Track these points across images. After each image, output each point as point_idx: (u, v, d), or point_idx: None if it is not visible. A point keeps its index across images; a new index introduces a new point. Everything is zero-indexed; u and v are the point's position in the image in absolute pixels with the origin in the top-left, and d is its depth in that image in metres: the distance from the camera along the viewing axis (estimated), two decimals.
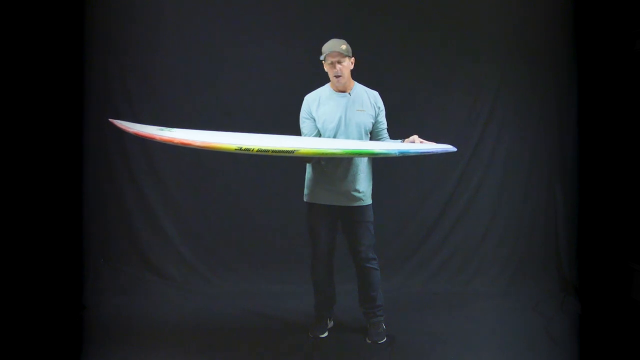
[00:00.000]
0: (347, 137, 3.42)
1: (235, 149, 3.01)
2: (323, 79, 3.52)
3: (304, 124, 3.49)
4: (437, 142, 4.49)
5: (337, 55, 3.33)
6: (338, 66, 3.35)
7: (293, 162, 3.80)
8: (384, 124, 3.53)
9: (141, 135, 3.12)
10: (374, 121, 3.48)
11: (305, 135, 3.48)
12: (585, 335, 3.76)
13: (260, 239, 4.64)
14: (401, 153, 3.19)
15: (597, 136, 4.32)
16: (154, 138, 3.09)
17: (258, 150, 3.02)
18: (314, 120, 3.46)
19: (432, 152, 3.26)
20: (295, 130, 3.53)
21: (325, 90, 3.50)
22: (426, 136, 4.56)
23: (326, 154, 3.16)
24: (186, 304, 4.18)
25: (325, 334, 3.64)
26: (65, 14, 3.98)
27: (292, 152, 3.05)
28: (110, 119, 3.19)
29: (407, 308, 4.10)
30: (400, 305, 4.09)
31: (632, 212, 4.19)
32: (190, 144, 3.01)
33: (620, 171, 4.24)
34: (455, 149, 3.25)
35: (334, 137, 3.42)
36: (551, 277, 4.51)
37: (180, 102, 4.54)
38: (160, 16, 4.52)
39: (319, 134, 3.46)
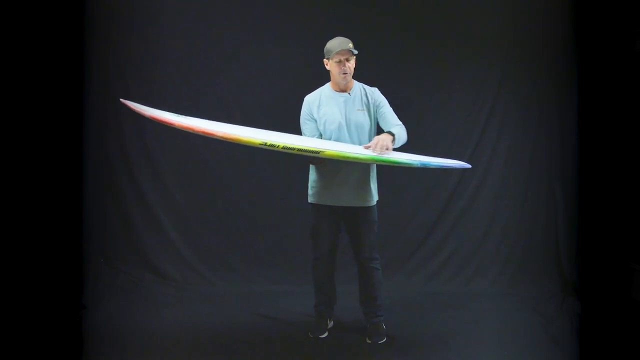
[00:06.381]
0: (348, 138, 3.40)
1: (260, 144, 2.96)
2: (323, 78, 3.51)
3: (306, 125, 3.47)
4: (436, 143, 4.56)
5: (347, 53, 3.32)
6: (347, 64, 3.34)
7: (294, 163, 3.80)
8: (390, 117, 3.43)
9: (157, 120, 3.01)
10: (374, 118, 3.45)
11: (308, 132, 3.46)
12: (585, 335, 3.75)
13: (260, 239, 4.64)
14: (422, 165, 3.23)
15: (597, 136, 4.32)
16: (171, 124, 2.99)
17: (284, 147, 2.98)
18: (315, 121, 3.44)
19: (450, 166, 3.37)
20: (295, 130, 3.52)
21: (325, 90, 3.48)
22: (426, 136, 4.60)
23: (351, 158, 3.12)
24: (186, 304, 4.18)
25: (325, 334, 3.63)
26: (65, 12, 3.97)
27: (317, 152, 3.04)
28: (122, 100, 3.09)
29: (407, 308, 4.10)
30: (400, 305, 4.09)
31: (632, 212, 4.19)
32: (212, 134, 2.93)
33: (621, 171, 4.24)
34: (469, 166, 3.46)
35: (335, 138, 3.41)
36: (551, 277, 4.51)
37: (180, 102, 4.52)
38: (161, 15, 4.52)
39: (320, 136, 3.45)
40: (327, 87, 3.48)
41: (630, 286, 4.15)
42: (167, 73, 4.56)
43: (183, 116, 3.19)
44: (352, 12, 4.53)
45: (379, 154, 3.15)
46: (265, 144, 2.97)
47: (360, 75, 3.48)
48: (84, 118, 4.34)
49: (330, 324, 3.71)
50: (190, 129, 2.95)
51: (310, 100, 3.47)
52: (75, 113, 4.21)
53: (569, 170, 4.57)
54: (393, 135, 3.26)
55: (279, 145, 2.98)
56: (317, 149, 3.04)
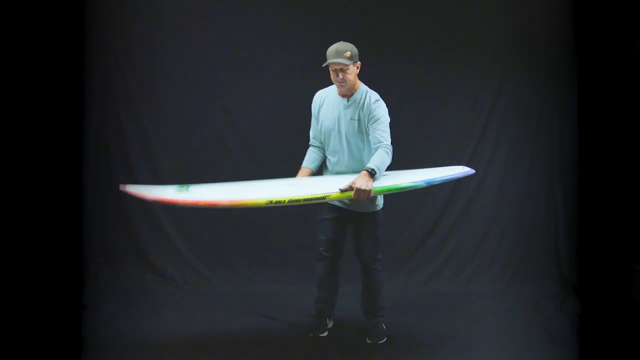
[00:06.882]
0: (339, 145, 3.36)
1: (266, 203, 3.01)
2: (329, 82, 3.48)
3: (312, 121, 3.50)
4: (436, 143, 4.56)
5: (338, 65, 3.23)
6: (340, 74, 3.24)
7: (295, 163, 3.79)
8: (377, 134, 3.25)
9: (161, 202, 3.06)
10: (366, 131, 3.33)
11: (312, 131, 3.50)
12: (585, 335, 3.76)
13: (260, 239, 4.64)
14: (427, 183, 3.27)
15: (597, 136, 4.32)
16: (176, 203, 3.04)
17: (289, 201, 3.03)
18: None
19: (454, 177, 3.39)
20: (295, 130, 3.52)
21: (331, 92, 3.43)
22: (426, 136, 4.60)
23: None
24: (186, 304, 4.17)
25: (325, 334, 3.64)
26: (65, 13, 3.97)
27: (324, 198, 3.11)
28: (122, 188, 3.07)
29: (407, 308, 4.10)
30: (400, 305, 4.09)
31: (632, 212, 4.19)
32: (217, 204, 3.01)
33: (620, 171, 4.24)
34: (474, 171, 3.45)
35: (327, 143, 3.40)
36: (551, 277, 4.51)
37: (180, 102, 4.54)
38: (161, 16, 4.51)
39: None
40: (335, 88, 3.43)
41: (630, 286, 4.15)
42: (167, 74, 4.55)
43: (185, 187, 3.18)
44: (352, 12, 4.53)
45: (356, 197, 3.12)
46: (271, 202, 3.01)
47: (360, 75, 3.47)
48: (84, 118, 4.34)
49: (330, 323, 3.71)
50: (195, 204, 3.01)
51: (318, 97, 3.47)
52: (75, 113, 4.21)
53: (569, 170, 4.57)
54: (373, 173, 3.13)
55: (284, 201, 3.03)
56: (322, 195, 3.10)
